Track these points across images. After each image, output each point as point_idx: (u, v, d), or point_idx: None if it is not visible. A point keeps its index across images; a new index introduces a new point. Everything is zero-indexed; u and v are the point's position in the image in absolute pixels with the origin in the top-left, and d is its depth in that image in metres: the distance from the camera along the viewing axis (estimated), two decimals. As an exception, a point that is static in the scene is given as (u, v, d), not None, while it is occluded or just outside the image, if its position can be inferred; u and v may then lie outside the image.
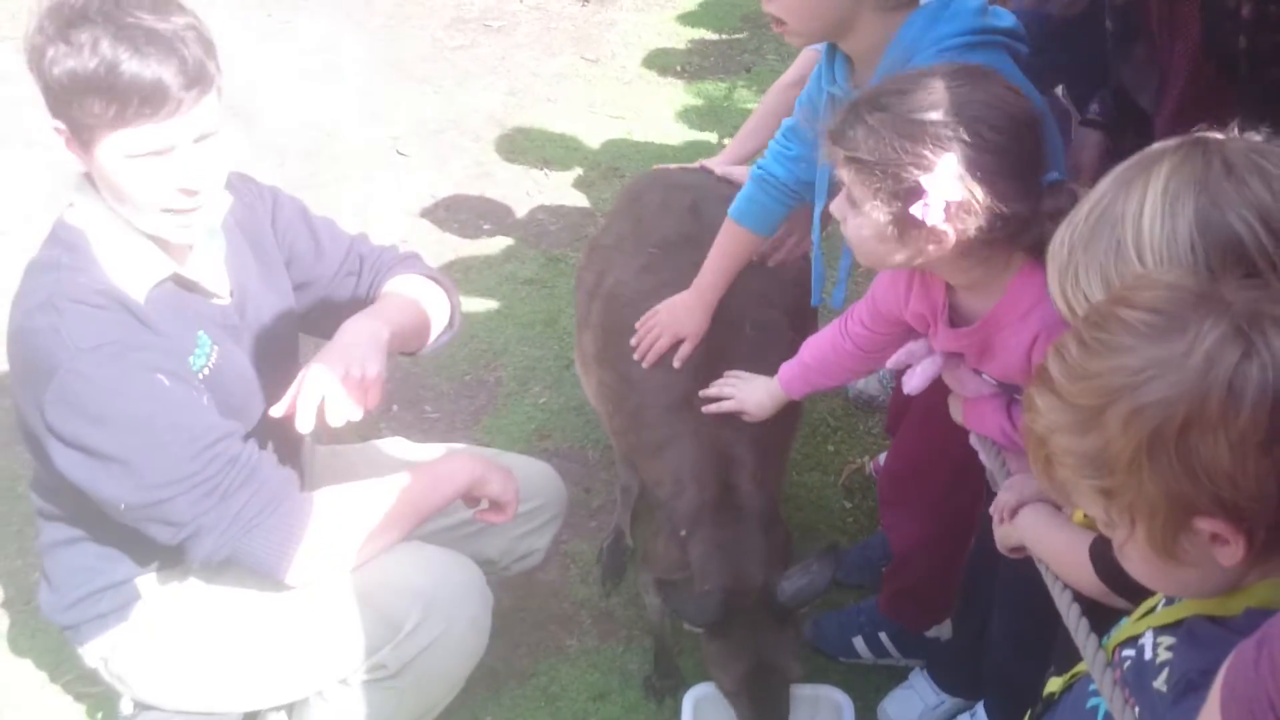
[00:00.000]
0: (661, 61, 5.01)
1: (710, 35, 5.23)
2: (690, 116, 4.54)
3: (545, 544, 2.32)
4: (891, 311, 1.79)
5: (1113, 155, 1.99)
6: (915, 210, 1.43)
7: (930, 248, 1.50)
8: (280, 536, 1.78)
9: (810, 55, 2.60)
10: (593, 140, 4.39)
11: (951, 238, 1.47)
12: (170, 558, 1.88)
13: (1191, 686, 1.00)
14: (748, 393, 2.11)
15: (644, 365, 2.25)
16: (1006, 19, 1.83)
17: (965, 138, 1.41)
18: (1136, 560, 1.07)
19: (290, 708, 2.04)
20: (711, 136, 4.38)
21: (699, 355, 2.23)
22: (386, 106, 4.67)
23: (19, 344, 1.69)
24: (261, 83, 4.64)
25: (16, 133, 4.23)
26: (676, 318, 2.25)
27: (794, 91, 2.51)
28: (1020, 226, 1.48)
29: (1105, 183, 1.20)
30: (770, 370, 2.10)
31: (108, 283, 1.69)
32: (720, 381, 2.16)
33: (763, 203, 2.19)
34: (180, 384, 1.71)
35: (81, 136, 1.62)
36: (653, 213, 2.53)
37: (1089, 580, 1.39)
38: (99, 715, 2.29)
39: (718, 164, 2.70)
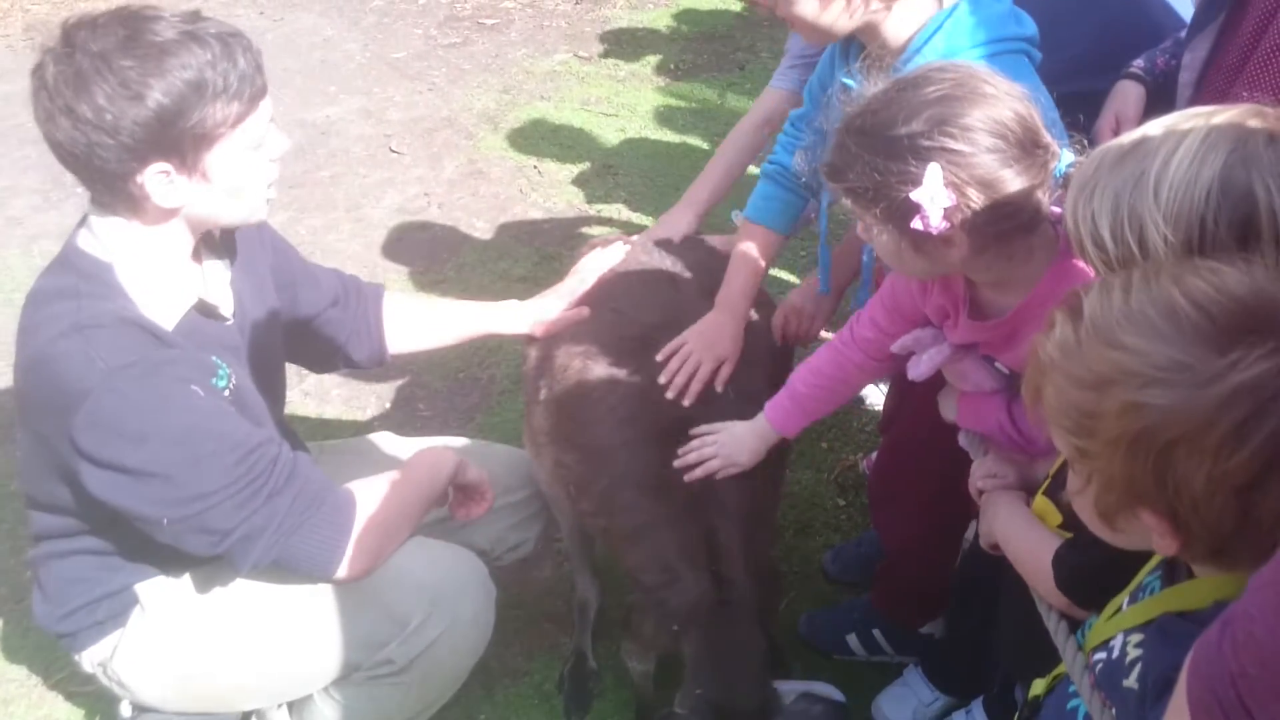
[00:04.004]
0: (655, 59, 5.01)
1: (704, 33, 5.24)
2: (684, 114, 4.54)
3: (536, 534, 2.32)
4: (911, 308, 1.78)
5: (1151, 113, 2.02)
6: (915, 225, 1.43)
7: (949, 253, 1.49)
8: (329, 532, 1.77)
9: (773, 94, 2.53)
10: (586, 138, 4.39)
11: (964, 240, 1.46)
12: (175, 563, 1.87)
13: (1170, 685, 1.01)
14: (731, 446, 1.94)
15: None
16: (1029, 26, 1.81)
17: (946, 143, 1.40)
18: (1083, 512, 1.09)
19: (293, 705, 2.04)
20: (705, 134, 4.39)
21: (673, 427, 1.99)
22: (380, 104, 4.66)
23: (41, 371, 1.63)
24: (254, 80, 4.63)
25: (10, 129, 4.23)
26: (710, 340, 2.05)
27: (763, 132, 2.43)
28: (1030, 214, 1.47)
29: (1153, 122, 1.20)
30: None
31: (134, 310, 1.67)
32: (695, 443, 1.96)
33: (780, 197, 2.14)
34: (212, 394, 1.71)
35: (195, 156, 1.61)
36: (605, 277, 2.28)
37: (1051, 590, 1.39)
38: (96, 718, 2.29)
39: (677, 227, 2.41)
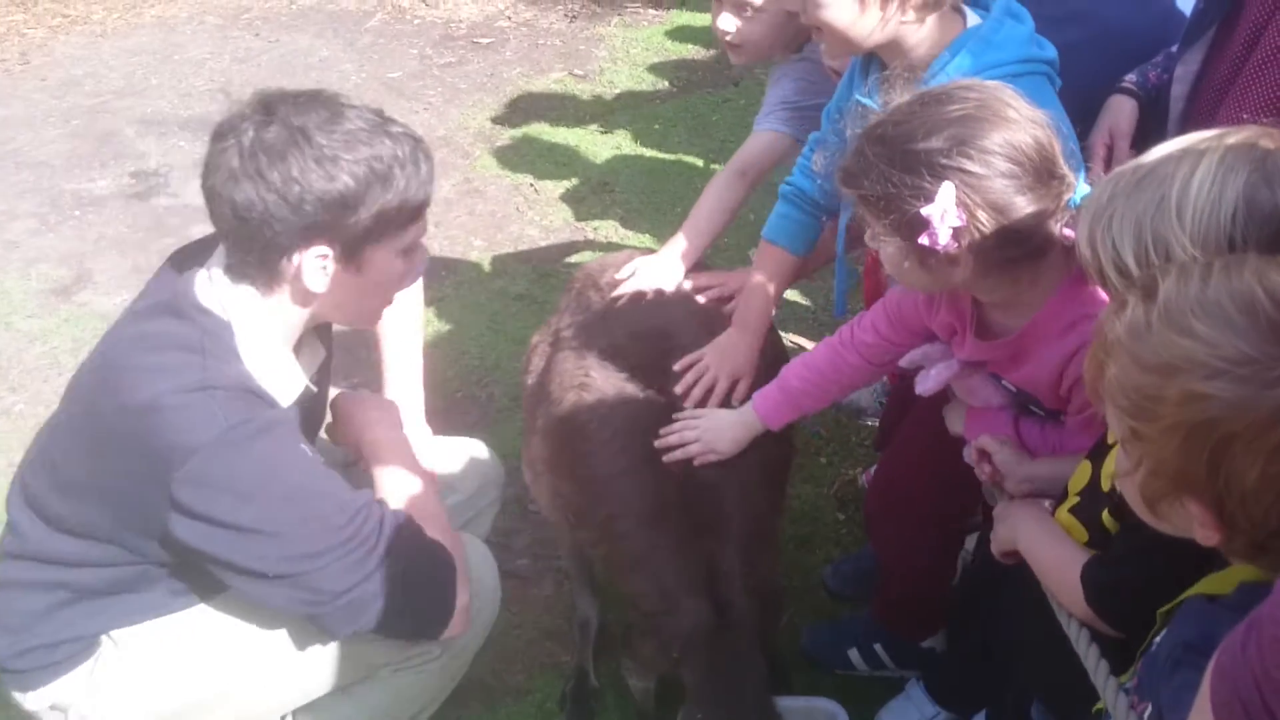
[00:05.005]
0: (650, 77, 5.03)
1: (698, 50, 5.26)
2: (679, 131, 4.56)
3: (485, 531, 2.26)
4: (915, 320, 1.79)
5: (1143, 127, 2.02)
6: (922, 240, 1.43)
7: (954, 272, 1.49)
8: (438, 596, 1.77)
9: (766, 138, 2.41)
10: (582, 156, 4.41)
11: (969, 261, 1.46)
12: (186, 599, 1.80)
13: (1178, 663, 1.02)
14: (714, 431, 1.94)
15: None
16: (1050, 50, 1.81)
17: (963, 163, 1.40)
18: (1129, 494, 1.10)
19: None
20: (700, 150, 4.41)
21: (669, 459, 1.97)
22: (376, 124, 4.67)
23: (149, 418, 1.57)
24: (251, 102, 4.65)
25: (7, 153, 4.23)
26: (728, 357, 2.06)
27: (741, 182, 2.38)
28: (1039, 242, 1.47)
29: (1161, 147, 1.21)
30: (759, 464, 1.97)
31: (254, 383, 1.65)
32: (677, 425, 1.96)
33: (796, 219, 2.14)
34: (317, 455, 1.70)
35: (358, 248, 1.63)
36: (603, 303, 2.24)
37: (1078, 604, 1.40)
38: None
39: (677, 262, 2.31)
